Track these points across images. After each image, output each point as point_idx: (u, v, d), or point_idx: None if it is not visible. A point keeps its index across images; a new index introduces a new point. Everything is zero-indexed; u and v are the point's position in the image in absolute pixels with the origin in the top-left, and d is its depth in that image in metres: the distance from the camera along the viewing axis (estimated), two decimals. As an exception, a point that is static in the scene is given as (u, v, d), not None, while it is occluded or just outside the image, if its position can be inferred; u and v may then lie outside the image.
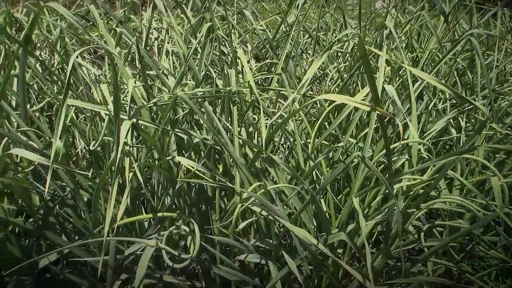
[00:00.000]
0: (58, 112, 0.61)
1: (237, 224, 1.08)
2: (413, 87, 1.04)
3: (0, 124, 0.96)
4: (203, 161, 0.99)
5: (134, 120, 0.75)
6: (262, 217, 0.84)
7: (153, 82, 1.15)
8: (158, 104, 0.84)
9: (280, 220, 0.75)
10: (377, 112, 0.67)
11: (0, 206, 1.04)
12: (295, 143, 0.95)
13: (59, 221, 1.14)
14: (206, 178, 0.97)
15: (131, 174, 0.77)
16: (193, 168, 0.92)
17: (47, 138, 1.00)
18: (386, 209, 0.86)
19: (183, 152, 1.12)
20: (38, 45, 1.61)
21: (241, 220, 1.16)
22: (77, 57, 1.37)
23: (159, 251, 0.89)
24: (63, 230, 1.18)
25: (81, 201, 1.03)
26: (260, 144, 0.95)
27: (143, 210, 1.29)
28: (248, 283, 1.04)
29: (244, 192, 0.69)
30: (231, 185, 0.89)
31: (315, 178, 1.10)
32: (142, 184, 0.76)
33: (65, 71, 1.22)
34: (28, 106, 1.17)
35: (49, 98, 1.08)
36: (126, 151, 0.74)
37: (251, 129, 1.07)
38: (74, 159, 1.29)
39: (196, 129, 1.15)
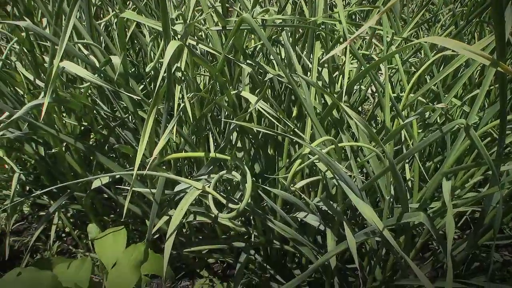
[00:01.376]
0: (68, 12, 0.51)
1: (301, 177, 0.96)
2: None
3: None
4: (276, 102, 0.87)
5: (192, 42, 0.64)
6: (327, 177, 0.71)
7: (232, 6, 1.02)
8: (227, 28, 0.72)
9: (344, 189, 0.62)
10: (499, 68, 0.50)
11: (61, 120, 1.01)
12: (384, 94, 0.79)
13: (120, 143, 1.09)
14: (276, 122, 0.85)
15: (183, 104, 0.67)
16: (262, 108, 0.80)
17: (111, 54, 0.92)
18: (484, 192, 0.69)
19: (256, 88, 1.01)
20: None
21: (309, 171, 1.03)
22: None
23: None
24: (122, 154, 1.13)
25: (140, 125, 0.96)
26: (341, 90, 0.80)
27: (208, 146, 1.21)
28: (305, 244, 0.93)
29: (311, 146, 0.56)
30: (300, 135, 0.76)
31: (402, 139, 0.94)
32: (190, 115, 0.66)
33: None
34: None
35: (115, 12, 0.99)
36: (177, 78, 0.63)
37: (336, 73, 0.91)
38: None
39: (273, 64, 1.01)
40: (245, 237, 1.27)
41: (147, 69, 0.73)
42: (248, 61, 0.83)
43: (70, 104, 0.86)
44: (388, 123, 0.75)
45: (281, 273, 1.24)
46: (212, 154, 0.73)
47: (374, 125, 1.07)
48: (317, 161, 0.67)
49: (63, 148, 1.05)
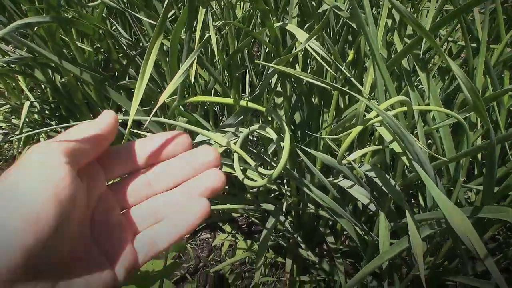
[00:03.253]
0: None
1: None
2: None
3: None
4: (329, 39, 0.69)
5: None
6: (388, 147, 0.54)
7: None
8: None
9: (420, 174, 0.45)
10: None
11: (75, 45, 0.87)
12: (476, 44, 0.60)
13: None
14: (326, 66, 0.67)
15: (209, 34, 0.51)
16: (310, 46, 0.63)
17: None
18: None
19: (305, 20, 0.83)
20: None
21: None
22: None
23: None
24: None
25: (162, 57, 0.80)
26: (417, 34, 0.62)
27: (243, 86, 1.05)
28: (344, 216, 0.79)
29: (378, 108, 0.39)
30: (358, 87, 0.59)
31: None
32: (215, 50, 0.50)
33: None
34: None
35: None
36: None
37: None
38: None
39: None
40: (276, 193, 1.14)
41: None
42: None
43: (79, 25, 0.70)
44: (479, 81, 0.57)
45: (312, 238, 1.11)
46: (243, 102, 0.57)
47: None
48: (378, 124, 0.51)
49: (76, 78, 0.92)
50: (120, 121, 0.37)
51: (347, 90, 0.43)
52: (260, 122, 1.06)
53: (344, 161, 0.46)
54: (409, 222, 0.50)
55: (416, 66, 0.68)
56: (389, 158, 0.65)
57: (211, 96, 0.93)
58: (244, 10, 1.00)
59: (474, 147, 0.47)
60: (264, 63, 0.45)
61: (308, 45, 0.63)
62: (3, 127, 1.32)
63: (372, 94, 0.72)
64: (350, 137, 0.40)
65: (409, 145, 0.42)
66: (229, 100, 0.61)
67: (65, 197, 0.23)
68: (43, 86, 1.23)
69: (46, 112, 1.20)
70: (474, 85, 0.45)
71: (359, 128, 0.41)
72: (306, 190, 0.75)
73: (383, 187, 0.60)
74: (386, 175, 0.62)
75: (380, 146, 0.53)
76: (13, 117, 1.28)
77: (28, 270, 0.21)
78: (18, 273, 0.20)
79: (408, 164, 0.45)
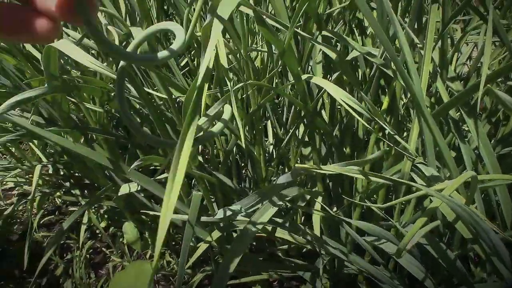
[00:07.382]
0: None
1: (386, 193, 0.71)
2: None
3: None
4: (363, 90, 0.62)
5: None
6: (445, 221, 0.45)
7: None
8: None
9: (494, 262, 0.36)
10: None
11: (85, 107, 0.81)
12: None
13: (156, 134, 0.88)
14: (357, 116, 0.60)
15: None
16: (346, 102, 0.55)
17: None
18: None
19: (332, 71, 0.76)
20: None
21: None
22: None
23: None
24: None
25: (175, 115, 0.74)
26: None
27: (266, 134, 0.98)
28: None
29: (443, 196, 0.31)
30: (401, 142, 0.51)
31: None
32: (240, 129, 0.43)
33: None
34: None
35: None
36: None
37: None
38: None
39: (362, 36, 0.75)
40: (308, 249, 1.05)
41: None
42: (324, 32, 0.58)
43: (85, 90, 0.65)
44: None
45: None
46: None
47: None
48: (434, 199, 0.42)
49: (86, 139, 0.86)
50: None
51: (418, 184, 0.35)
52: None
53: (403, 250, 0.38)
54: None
55: (462, 112, 0.59)
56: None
57: (232, 153, 0.86)
58: (260, 55, 0.93)
59: None
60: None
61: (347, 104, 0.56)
62: (17, 188, 1.27)
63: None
64: (414, 229, 0.32)
65: (483, 232, 0.33)
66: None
67: None
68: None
69: (61, 173, 1.15)
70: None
71: (423, 219, 0.32)
72: (341, 256, 0.67)
73: (439, 260, 0.51)
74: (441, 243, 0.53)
75: (439, 222, 0.44)
76: (28, 177, 1.23)
77: None
78: None
79: (483, 256, 0.36)
